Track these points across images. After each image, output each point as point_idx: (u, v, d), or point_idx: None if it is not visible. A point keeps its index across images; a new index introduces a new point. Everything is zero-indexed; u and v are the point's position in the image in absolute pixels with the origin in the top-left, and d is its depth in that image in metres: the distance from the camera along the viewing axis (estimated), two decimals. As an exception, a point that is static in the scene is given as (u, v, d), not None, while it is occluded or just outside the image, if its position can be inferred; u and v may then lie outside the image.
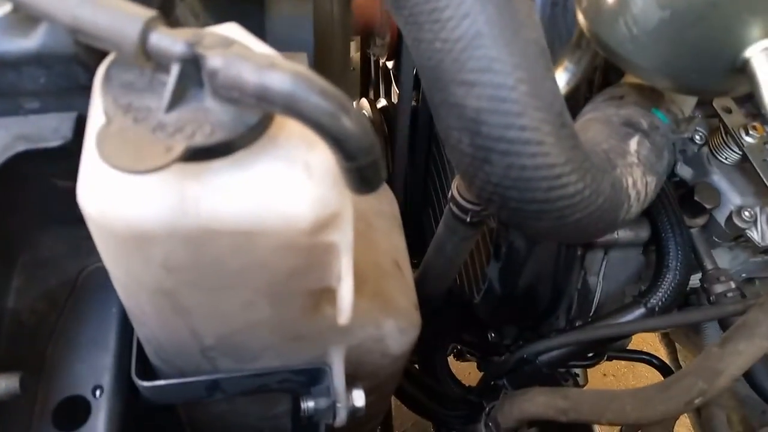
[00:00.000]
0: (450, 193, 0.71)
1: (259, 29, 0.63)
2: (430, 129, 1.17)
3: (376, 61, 1.45)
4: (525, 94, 0.46)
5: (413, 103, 1.17)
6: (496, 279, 0.85)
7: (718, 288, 0.78)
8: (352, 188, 0.36)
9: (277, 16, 0.62)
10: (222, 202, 0.34)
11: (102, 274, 0.55)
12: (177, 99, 0.32)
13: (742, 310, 0.69)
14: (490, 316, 0.92)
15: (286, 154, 0.35)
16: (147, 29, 0.31)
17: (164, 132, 0.31)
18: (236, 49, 0.32)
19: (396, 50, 1.21)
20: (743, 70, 0.48)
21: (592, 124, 0.60)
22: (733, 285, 0.78)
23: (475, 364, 1.10)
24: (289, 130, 0.35)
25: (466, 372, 1.36)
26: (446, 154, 1.00)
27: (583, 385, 1.10)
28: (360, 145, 0.32)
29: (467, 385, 1.02)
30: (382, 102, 1.44)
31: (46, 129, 0.43)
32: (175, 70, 0.32)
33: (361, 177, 0.35)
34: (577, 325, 0.83)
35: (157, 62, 0.32)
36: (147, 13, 0.31)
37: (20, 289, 0.51)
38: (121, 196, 0.33)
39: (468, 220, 0.69)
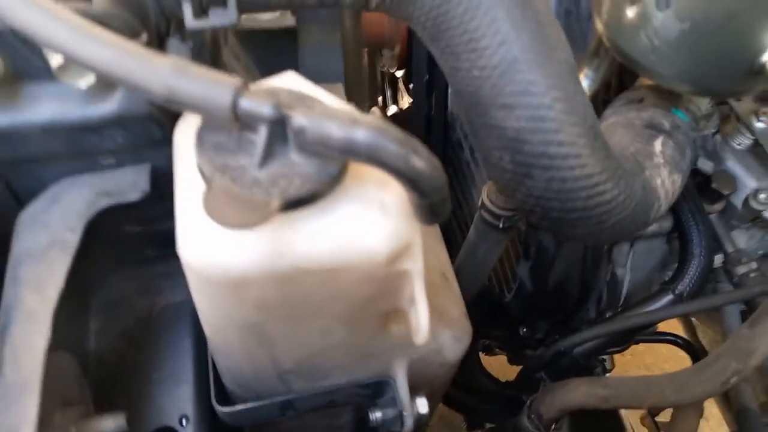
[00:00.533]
0: (480, 201, 0.74)
1: (293, 61, 0.67)
2: (444, 135, 1.20)
3: (382, 70, 1.48)
4: (561, 112, 0.50)
5: (426, 109, 1.20)
6: (527, 277, 0.89)
7: (741, 269, 0.81)
8: (423, 221, 0.39)
9: (309, 50, 0.65)
10: (312, 245, 0.37)
11: (172, 309, 0.58)
12: (266, 156, 0.36)
13: (767, 290, 0.73)
14: (522, 312, 0.96)
15: (362, 196, 0.38)
16: (237, 96, 0.34)
17: (260, 188, 0.35)
18: (318, 107, 0.35)
19: (407, 60, 1.24)
20: (761, 72, 0.51)
21: (616, 129, 0.64)
22: (754, 265, 0.81)
23: (491, 358, 1.14)
24: (360, 172, 0.39)
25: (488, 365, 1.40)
26: (465, 161, 1.03)
27: (611, 369, 1.14)
28: (433, 185, 0.36)
29: (499, 379, 1.06)
30: (392, 109, 1.47)
31: (125, 183, 0.46)
32: (264, 131, 0.35)
33: (432, 211, 0.38)
34: (607, 315, 0.87)
35: (245, 123, 0.35)
36: (234, 80, 0.34)
37: (99, 330, 0.55)
38: (223, 248, 0.36)
39: (501, 225, 0.73)
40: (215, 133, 0.37)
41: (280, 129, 0.35)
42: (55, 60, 0.39)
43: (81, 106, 0.42)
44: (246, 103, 0.34)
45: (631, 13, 0.54)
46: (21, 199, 0.48)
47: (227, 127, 0.36)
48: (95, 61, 0.34)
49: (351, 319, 0.45)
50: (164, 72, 0.34)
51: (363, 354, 0.51)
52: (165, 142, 0.47)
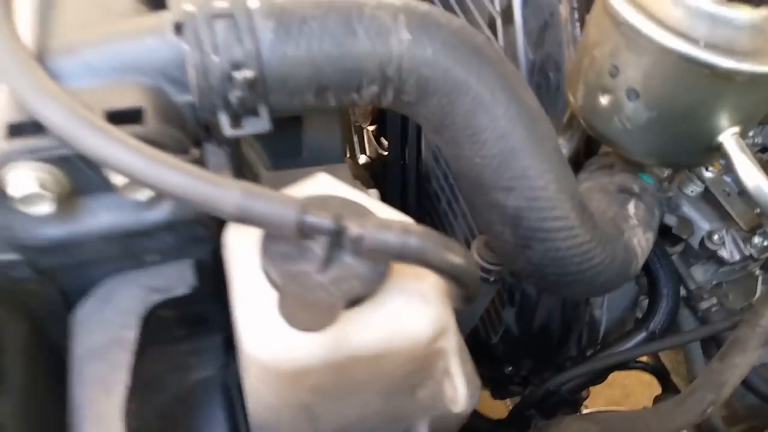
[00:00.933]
0: (470, 257, 0.81)
1: (296, 143, 0.72)
2: (418, 185, 1.27)
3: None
4: (555, 192, 0.57)
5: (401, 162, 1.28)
6: (513, 322, 0.96)
7: (704, 305, 0.90)
8: (458, 306, 0.45)
9: (313, 133, 0.71)
10: (365, 336, 0.42)
11: (203, 385, 0.62)
12: (327, 262, 0.41)
13: (730, 326, 0.81)
14: (508, 353, 1.02)
15: (404, 288, 0.44)
16: (301, 213, 0.39)
17: (325, 291, 0.40)
18: (371, 217, 0.41)
19: (379, 116, 1.31)
20: (717, 149, 0.60)
21: (593, 194, 0.71)
22: (715, 300, 0.91)
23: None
24: (399, 266, 0.44)
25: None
26: (443, 211, 1.10)
27: (586, 397, 1.22)
28: (471, 279, 0.42)
29: (491, 418, 1.12)
30: (363, 158, 1.53)
31: (172, 278, 0.50)
32: (325, 241, 0.40)
33: (466, 299, 0.44)
34: (588, 353, 0.94)
35: (306, 235, 0.40)
36: (297, 199, 0.40)
37: (136, 413, 0.57)
38: (289, 344, 0.41)
39: (491, 279, 0.79)
40: (278, 243, 0.42)
41: (337, 238, 0.40)
42: (120, 180, 0.43)
43: (135, 214, 0.46)
44: (310, 219, 0.39)
45: (604, 101, 0.62)
46: (68, 298, 0.51)
47: (291, 238, 0.41)
48: (174, 190, 0.39)
49: (389, 392, 0.50)
50: (235, 196, 0.39)
51: (392, 418, 0.56)
52: (208, 239, 0.51)
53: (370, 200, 0.47)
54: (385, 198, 1.31)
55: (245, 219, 0.39)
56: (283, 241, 0.42)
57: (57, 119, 0.39)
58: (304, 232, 0.40)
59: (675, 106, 0.57)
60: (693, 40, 0.54)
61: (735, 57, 0.53)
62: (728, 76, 0.53)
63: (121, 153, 0.39)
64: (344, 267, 0.41)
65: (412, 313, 0.43)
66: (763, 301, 0.78)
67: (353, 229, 0.40)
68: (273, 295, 0.41)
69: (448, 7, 0.93)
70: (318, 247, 0.41)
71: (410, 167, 1.25)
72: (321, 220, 0.39)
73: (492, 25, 0.85)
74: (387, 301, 0.43)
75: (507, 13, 0.83)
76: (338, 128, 0.73)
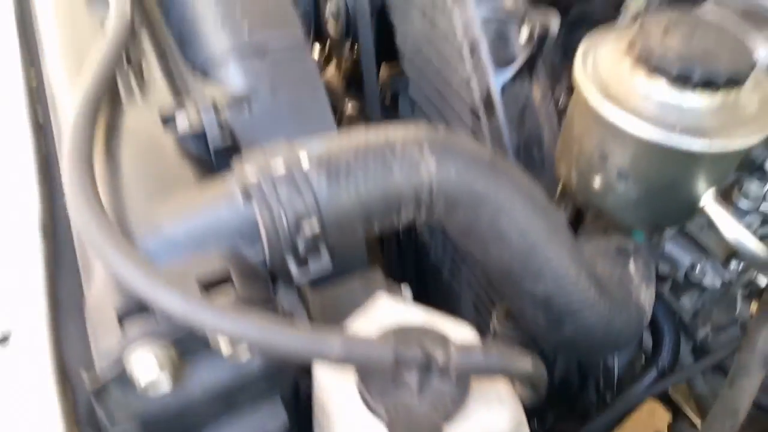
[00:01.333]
0: (492, 328, 0.87)
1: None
2: (416, 259, 1.34)
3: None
4: (575, 275, 0.64)
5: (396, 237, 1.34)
6: (534, 380, 1.02)
7: (700, 333, 0.99)
8: (528, 401, 0.51)
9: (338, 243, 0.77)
10: (462, 447, 0.48)
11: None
12: (420, 389, 0.46)
13: (731, 352, 0.90)
14: (532, 410, 1.08)
15: (484, 395, 0.50)
16: (397, 353, 0.45)
17: (427, 416, 0.45)
18: (450, 344, 0.47)
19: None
20: (700, 210, 0.70)
21: (597, 260, 0.80)
22: (709, 328, 1.00)
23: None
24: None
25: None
26: (446, 281, 1.17)
27: None
28: (542, 382, 0.48)
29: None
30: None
31: (266, 419, 0.54)
32: (416, 373, 0.46)
33: (536, 396, 0.50)
34: (608, 397, 1.01)
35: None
36: (388, 339, 0.46)
37: None
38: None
39: (515, 348, 0.86)
40: (373, 378, 0.47)
41: (427, 366, 0.46)
42: (226, 348, 0.48)
43: (234, 370, 0.51)
44: (402, 355, 0.45)
45: (597, 182, 0.71)
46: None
47: (386, 373, 0.47)
48: (286, 351, 0.44)
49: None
50: (338, 346, 0.44)
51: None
52: (290, 373, 0.56)
53: (435, 317, 0.54)
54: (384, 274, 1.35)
55: (348, 363, 0.45)
56: (377, 376, 0.47)
57: (170, 305, 0.44)
58: (398, 367, 0.45)
59: (660, 182, 0.67)
60: (668, 126, 0.64)
61: (706, 136, 0.62)
62: (702, 153, 0.63)
63: (239, 327, 0.44)
64: (436, 390, 0.47)
65: (494, 418, 0.49)
66: (754, 326, 0.87)
67: (440, 357, 0.46)
68: (377, 426, 0.46)
69: (430, 105, 1.02)
70: (410, 376, 0.46)
71: (406, 243, 1.32)
72: (412, 355, 0.45)
73: (475, 115, 0.94)
74: (472, 411, 0.48)
75: (488, 103, 0.92)
76: (361, 236, 0.79)
